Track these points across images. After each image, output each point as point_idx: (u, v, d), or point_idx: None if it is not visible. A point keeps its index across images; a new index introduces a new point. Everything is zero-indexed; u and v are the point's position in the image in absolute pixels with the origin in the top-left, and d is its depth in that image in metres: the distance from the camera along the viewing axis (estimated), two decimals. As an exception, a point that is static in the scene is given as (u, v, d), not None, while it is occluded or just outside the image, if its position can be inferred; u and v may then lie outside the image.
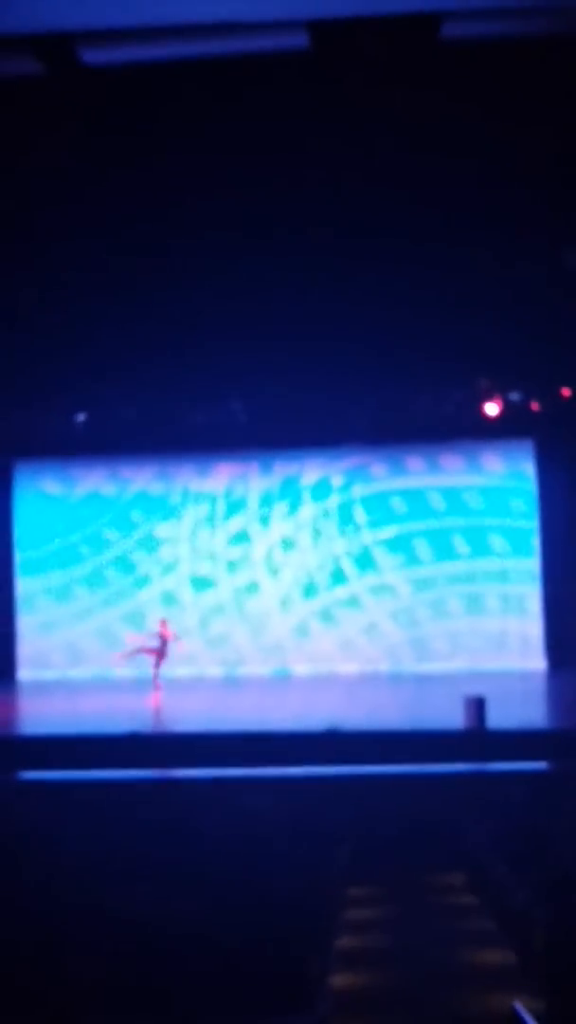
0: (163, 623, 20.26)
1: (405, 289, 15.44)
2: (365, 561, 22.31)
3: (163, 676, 20.11)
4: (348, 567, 22.33)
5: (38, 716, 18.64)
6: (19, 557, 22.92)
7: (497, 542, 22.04)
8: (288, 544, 22.50)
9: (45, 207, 13.84)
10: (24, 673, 22.61)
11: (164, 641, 19.90)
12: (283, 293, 15.57)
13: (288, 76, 11.24)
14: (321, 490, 22.49)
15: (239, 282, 15.35)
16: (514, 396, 19.26)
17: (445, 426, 20.57)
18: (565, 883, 8.93)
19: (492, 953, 8.84)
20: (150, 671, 19.96)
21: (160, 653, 19.88)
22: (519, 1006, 6.30)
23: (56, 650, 22.72)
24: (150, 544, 22.77)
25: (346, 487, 22.44)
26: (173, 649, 20.11)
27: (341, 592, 22.26)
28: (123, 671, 21.01)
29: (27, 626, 22.83)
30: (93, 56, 10.14)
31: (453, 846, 11.94)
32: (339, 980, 8.16)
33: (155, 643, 19.98)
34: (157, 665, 19.89)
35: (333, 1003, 7.52)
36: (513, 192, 13.75)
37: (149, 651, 20.01)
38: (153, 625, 20.87)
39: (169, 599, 22.64)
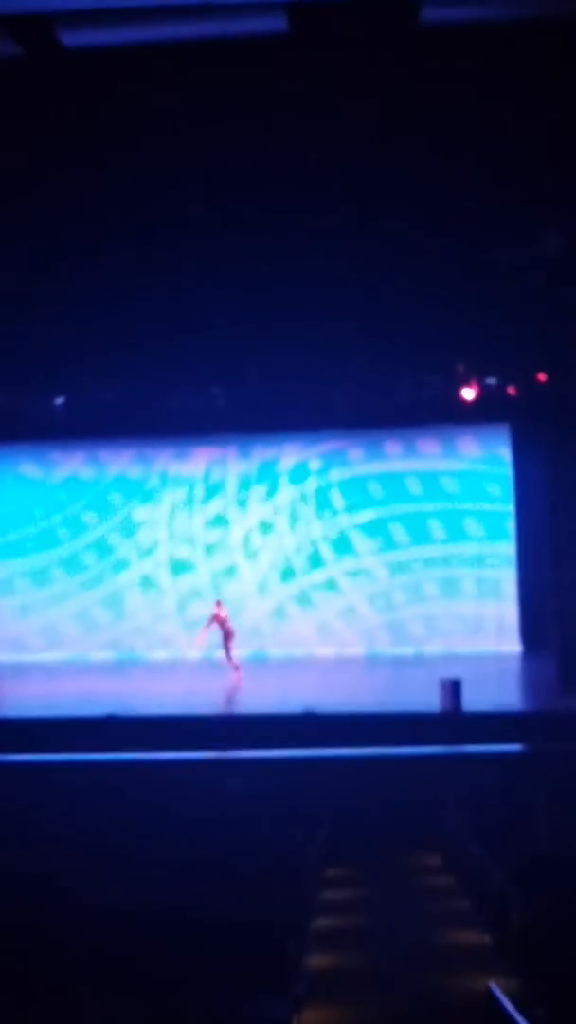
0: (218, 604, 19.97)
1: (383, 275, 15.43)
2: (342, 545, 22.36)
3: (143, 659, 20.13)
4: (325, 551, 22.38)
5: (15, 699, 18.62)
6: (-3, 540, 22.88)
7: (473, 526, 22.13)
8: (266, 528, 22.53)
9: (24, 190, 13.75)
10: (2, 656, 22.56)
11: (223, 621, 19.71)
12: (262, 278, 15.54)
13: (267, 59, 11.20)
14: (298, 474, 22.52)
15: (219, 267, 15.31)
16: (490, 381, 19.28)
17: (422, 411, 20.57)
18: (540, 863, 9.03)
19: (468, 933, 8.93)
20: (215, 654, 19.90)
21: (227, 634, 19.66)
22: (495, 986, 6.38)
23: (34, 633, 22.69)
24: (128, 527, 22.76)
25: (323, 471, 22.47)
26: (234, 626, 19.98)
27: (318, 576, 22.31)
28: (196, 654, 20.70)
29: (4, 609, 22.79)
30: (72, 38, 10.09)
31: (429, 827, 12.04)
32: (316, 961, 8.22)
33: (215, 625, 19.75)
34: (227, 647, 19.61)
35: (310, 983, 7.59)
36: (491, 177, 13.75)
37: (224, 631, 19.63)
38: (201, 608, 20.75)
39: (147, 582, 22.64)
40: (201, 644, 20.04)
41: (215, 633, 19.87)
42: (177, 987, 6.60)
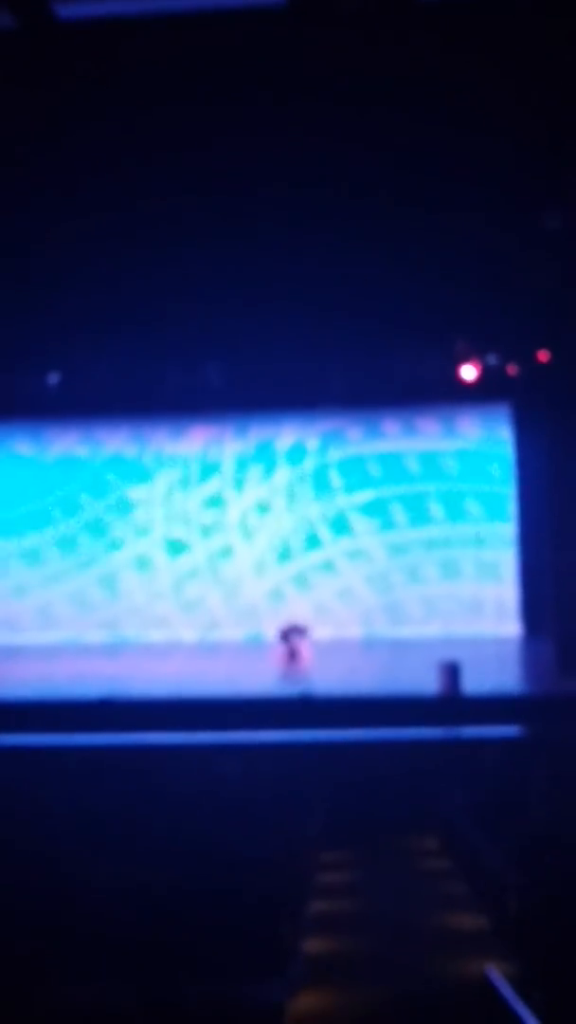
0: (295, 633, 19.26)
1: (382, 251, 15.29)
2: (340, 525, 22.24)
3: (138, 640, 20.06)
4: (323, 531, 22.26)
5: (9, 680, 18.51)
6: (-10, 519, 22.76)
7: (473, 507, 22.01)
8: (263, 508, 22.40)
9: (15, 164, 13.60)
10: (-5, 637, 22.48)
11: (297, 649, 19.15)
12: (259, 255, 15.40)
13: (263, 33, 11.06)
14: (296, 454, 22.38)
15: (215, 244, 15.17)
16: (491, 359, 19.14)
17: (422, 390, 20.44)
18: (538, 847, 8.93)
19: (465, 917, 8.84)
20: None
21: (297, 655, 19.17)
22: (492, 970, 6.27)
23: (28, 613, 22.58)
24: (124, 507, 22.63)
25: (321, 451, 22.34)
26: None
27: (316, 557, 22.20)
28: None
29: (-2, 589, 22.69)
30: (67, 10, 9.93)
31: (427, 810, 11.95)
32: (312, 945, 8.13)
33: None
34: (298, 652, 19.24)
35: (306, 967, 7.51)
36: (491, 153, 13.61)
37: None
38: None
39: (143, 563, 22.53)
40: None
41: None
42: (172, 969, 6.52)
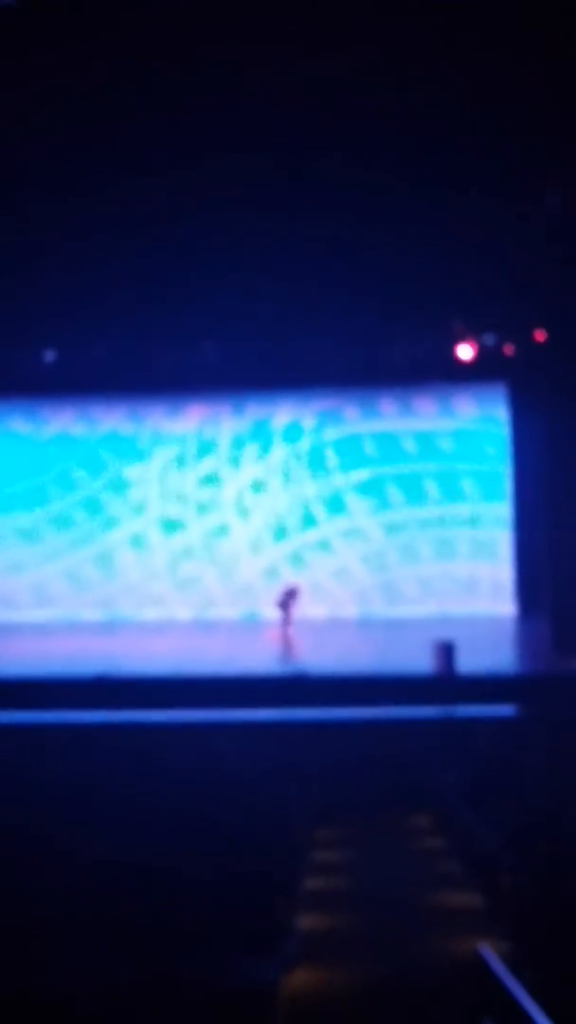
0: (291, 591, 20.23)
1: (380, 231, 15.25)
2: (336, 505, 22.23)
3: (134, 619, 20.10)
4: (319, 511, 22.25)
5: (6, 658, 18.52)
6: (-14, 497, 22.72)
7: (469, 487, 22.00)
8: (258, 487, 22.38)
9: (12, 142, 13.54)
10: (-9, 614, 22.47)
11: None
12: (257, 234, 15.35)
13: (267, 3, 11.01)
14: (292, 433, 22.34)
15: (212, 222, 15.11)
16: (488, 339, 19.11)
17: (418, 369, 20.40)
18: (532, 826, 8.96)
19: (459, 896, 8.88)
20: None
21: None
22: (485, 948, 6.30)
23: (23, 591, 22.57)
24: (119, 485, 22.60)
25: (318, 430, 22.30)
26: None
27: (312, 536, 22.19)
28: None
29: (-6, 567, 22.66)
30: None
31: (421, 789, 11.99)
32: (306, 922, 8.16)
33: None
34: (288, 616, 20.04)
35: (300, 944, 7.53)
36: (490, 133, 13.57)
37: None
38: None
39: (138, 541, 22.52)
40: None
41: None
42: (166, 946, 6.54)
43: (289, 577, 21.29)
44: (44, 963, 6.34)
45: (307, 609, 20.72)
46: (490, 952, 6.21)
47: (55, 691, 14.46)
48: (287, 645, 18.69)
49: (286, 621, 19.96)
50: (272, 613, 20.70)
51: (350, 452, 22.20)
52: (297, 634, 19.51)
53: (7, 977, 6.05)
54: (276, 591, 20.59)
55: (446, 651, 14.54)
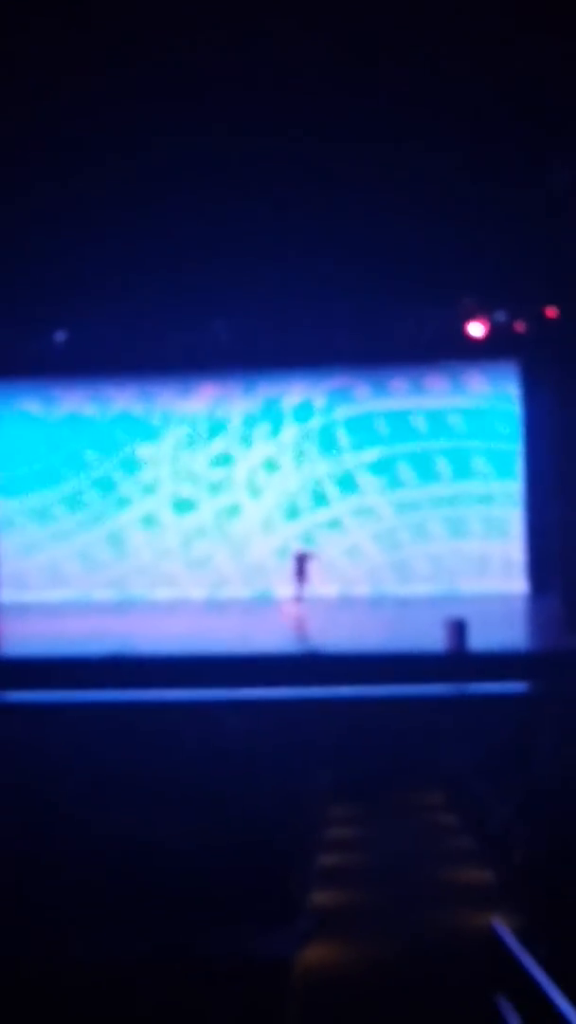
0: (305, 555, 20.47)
1: (389, 208, 15.19)
2: (347, 483, 22.23)
3: (146, 598, 20.13)
4: (330, 489, 22.25)
5: (19, 638, 18.61)
6: (-1, 478, 22.79)
7: (480, 464, 21.98)
8: (270, 466, 22.38)
9: (21, 120, 13.51)
10: (4, 594, 22.55)
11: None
12: (267, 212, 15.30)
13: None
14: (304, 412, 22.32)
15: (222, 200, 15.07)
16: (499, 316, 19.04)
17: (429, 347, 20.34)
18: (543, 801, 9.00)
19: (471, 871, 8.91)
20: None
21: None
22: (498, 923, 6.34)
23: (36, 571, 22.65)
24: (131, 465, 22.62)
25: (329, 409, 22.28)
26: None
27: (323, 514, 22.20)
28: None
29: (7, 547, 22.74)
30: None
31: (433, 766, 12.03)
32: (320, 897, 8.21)
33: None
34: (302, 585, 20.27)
35: (314, 920, 7.57)
36: (499, 109, 13.50)
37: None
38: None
39: (150, 521, 22.56)
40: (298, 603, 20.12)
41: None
42: (181, 922, 6.59)
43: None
44: (61, 938, 6.40)
45: (319, 583, 20.73)
46: (503, 927, 6.25)
47: (68, 671, 14.50)
48: (301, 621, 18.73)
49: (301, 590, 20.09)
50: (285, 591, 20.76)
51: (361, 431, 22.18)
52: (310, 608, 19.61)
53: (24, 952, 6.11)
54: (289, 563, 20.69)
55: (458, 629, 14.55)
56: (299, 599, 20.05)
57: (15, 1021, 5.27)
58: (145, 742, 11.45)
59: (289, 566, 20.65)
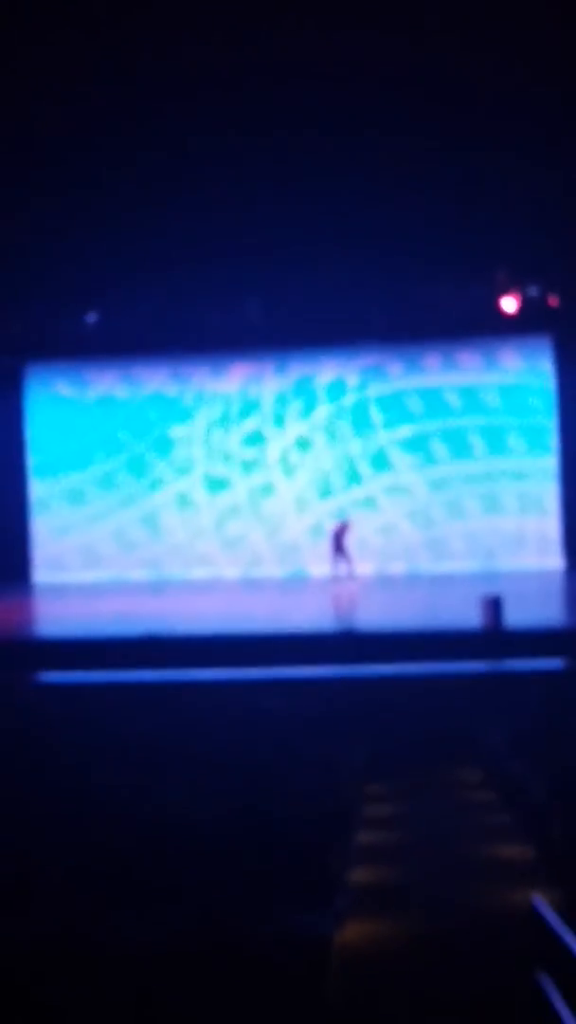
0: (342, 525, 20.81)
1: (422, 184, 15.09)
2: (381, 461, 22.16)
3: (180, 578, 20.30)
4: (364, 467, 22.19)
5: (55, 618, 18.72)
6: (33, 460, 22.87)
7: (514, 440, 21.84)
8: (303, 444, 22.35)
9: (53, 105, 13.51)
10: (40, 575, 22.69)
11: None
12: (298, 191, 15.25)
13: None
14: (336, 390, 22.26)
15: (254, 180, 15.02)
16: (532, 291, 18.89)
17: (462, 323, 20.22)
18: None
19: (510, 848, 8.88)
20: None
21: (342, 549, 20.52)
22: (538, 899, 6.31)
23: (71, 553, 22.75)
24: (164, 446, 22.65)
25: (361, 386, 22.20)
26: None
27: (357, 493, 22.16)
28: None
29: (42, 529, 22.85)
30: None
31: (470, 743, 11.99)
32: (358, 875, 8.21)
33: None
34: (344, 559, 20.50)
35: (352, 897, 7.58)
36: (533, 83, 13.36)
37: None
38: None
39: (184, 501, 22.59)
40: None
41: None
42: (220, 900, 6.61)
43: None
44: (101, 916, 6.43)
45: (354, 566, 20.71)
46: (543, 903, 6.22)
47: (104, 650, 14.57)
48: (354, 600, 18.78)
49: (350, 568, 20.22)
50: (324, 570, 20.77)
51: (394, 408, 22.09)
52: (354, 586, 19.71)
53: (62, 928, 6.15)
54: (326, 541, 20.82)
55: (494, 606, 14.49)
56: (350, 577, 20.09)
57: (50, 996, 5.30)
58: (181, 721, 11.48)
59: (327, 543, 20.70)
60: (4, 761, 9.88)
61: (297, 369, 22.31)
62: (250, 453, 22.45)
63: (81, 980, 5.47)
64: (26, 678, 14.19)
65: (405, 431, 22.10)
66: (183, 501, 22.61)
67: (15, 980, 5.45)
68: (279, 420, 22.40)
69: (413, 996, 6.20)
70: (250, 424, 22.47)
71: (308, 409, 22.33)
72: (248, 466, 22.46)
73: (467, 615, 14.76)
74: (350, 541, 20.70)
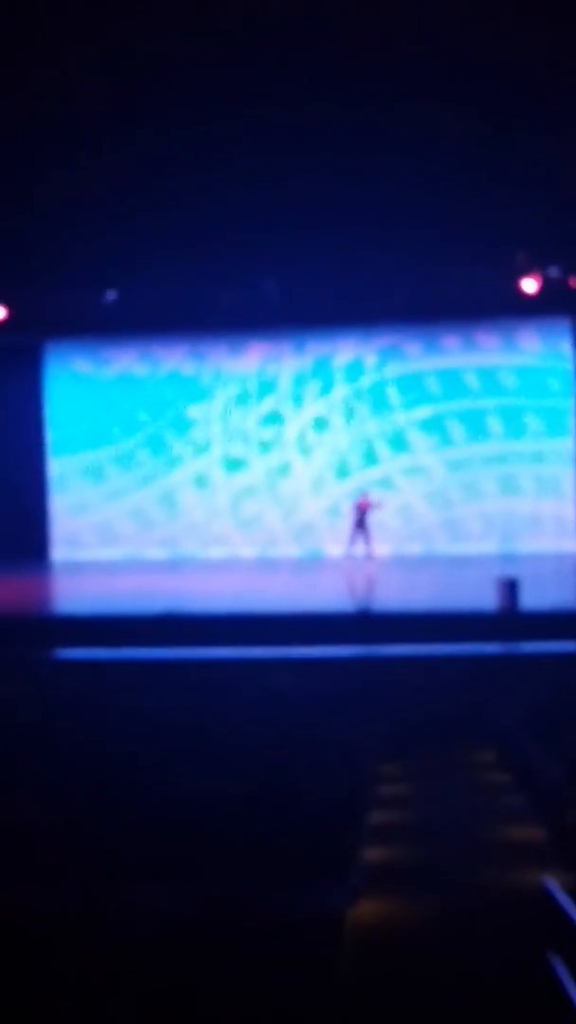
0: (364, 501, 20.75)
1: (441, 163, 15.03)
2: (398, 442, 22.15)
3: (198, 557, 20.39)
4: (381, 448, 22.19)
5: (73, 596, 18.81)
6: (51, 437, 22.93)
7: (532, 422, 21.80)
8: (321, 425, 22.35)
9: (73, 86, 13.51)
10: (58, 553, 22.78)
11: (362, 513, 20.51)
12: (316, 169, 15.21)
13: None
14: (354, 370, 22.23)
15: (271, 158, 14.99)
16: (553, 272, 18.80)
17: (481, 304, 20.15)
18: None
19: (523, 829, 8.92)
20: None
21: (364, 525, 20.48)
22: (550, 881, 6.35)
23: (89, 530, 22.84)
24: (182, 425, 22.68)
25: (379, 367, 22.17)
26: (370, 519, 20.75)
27: (374, 473, 22.16)
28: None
29: (60, 506, 22.93)
30: None
31: (485, 725, 12.03)
32: (373, 854, 8.26)
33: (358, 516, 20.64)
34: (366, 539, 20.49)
35: (366, 876, 7.63)
36: (551, 63, 13.29)
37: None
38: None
39: (201, 480, 22.64)
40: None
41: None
42: (235, 878, 6.66)
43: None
44: (118, 890, 6.50)
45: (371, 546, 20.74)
46: (555, 884, 6.26)
47: (121, 628, 14.64)
48: (372, 580, 18.83)
49: (370, 548, 20.28)
50: (335, 551, 20.79)
51: (412, 389, 22.06)
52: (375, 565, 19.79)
53: (79, 904, 6.21)
54: (348, 517, 20.83)
55: (510, 588, 14.51)
56: (369, 557, 20.11)
57: (72, 969, 5.37)
58: (198, 699, 11.54)
59: (348, 518, 20.67)
60: (22, 737, 9.97)
61: (315, 349, 22.29)
62: (267, 433, 22.47)
63: (98, 954, 5.54)
64: (44, 655, 14.28)
65: (423, 412, 22.07)
66: (200, 480, 22.65)
67: (31, 954, 5.52)
68: (297, 400, 22.40)
69: (425, 975, 6.25)
70: (268, 404, 22.48)
71: (326, 389, 22.32)
72: (265, 446, 22.48)
73: (483, 597, 14.78)
74: (371, 519, 20.68)
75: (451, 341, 21.92)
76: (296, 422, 22.39)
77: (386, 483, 22.10)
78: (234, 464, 22.57)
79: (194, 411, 22.64)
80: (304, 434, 22.38)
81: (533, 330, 21.63)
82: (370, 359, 22.17)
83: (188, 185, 15.48)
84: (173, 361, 22.63)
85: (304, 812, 7.56)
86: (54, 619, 16.15)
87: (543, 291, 18.89)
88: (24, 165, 15.14)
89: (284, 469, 22.43)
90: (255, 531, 22.42)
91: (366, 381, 22.19)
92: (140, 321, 21.00)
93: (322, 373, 22.30)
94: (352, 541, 20.47)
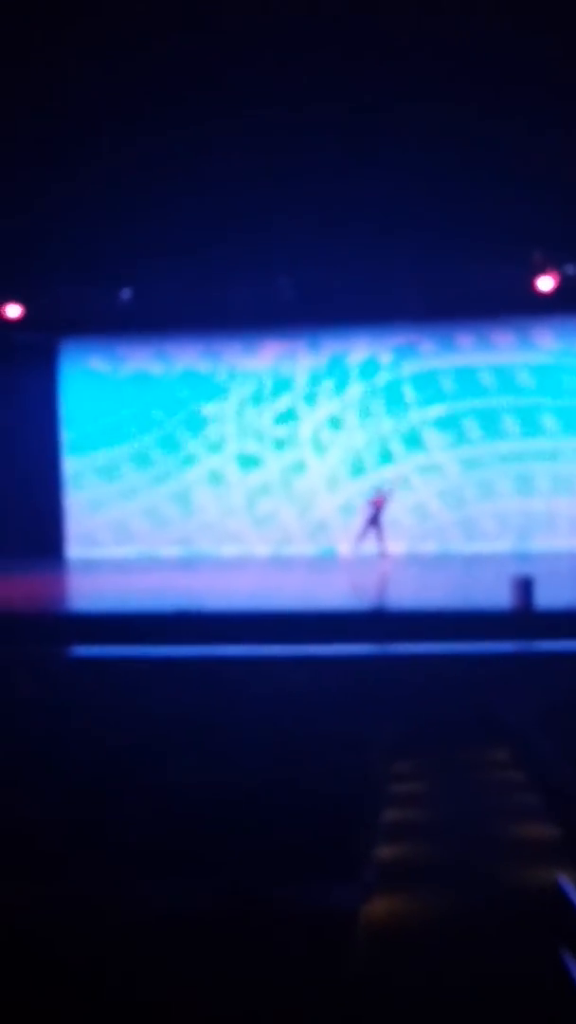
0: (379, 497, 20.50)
1: (456, 160, 15.01)
2: (413, 440, 22.13)
3: (212, 555, 20.31)
4: (396, 446, 22.16)
5: (88, 593, 18.85)
6: (67, 435, 22.98)
7: (548, 421, 21.74)
8: (335, 423, 22.34)
9: (87, 82, 13.53)
10: (73, 551, 22.83)
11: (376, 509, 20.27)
12: (331, 167, 15.20)
13: None
14: (369, 368, 22.22)
15: (286, 156, 14.99)
16: (569, 269, 18.76)
17: (497, 302, 20.11)
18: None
19: (537, 827, 8.90)
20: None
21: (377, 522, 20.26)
22: (563, 879, 6.33)
23: (104, 528, 22.88)
24: (196, 423, 22.70)
25: (394, 365, 22.15)
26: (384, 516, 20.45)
27: (389, 472, 22.13)
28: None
29: (75, 504, 22.98)
30: None
31: (499, 723, 12.01)
32: (385, 852, 8.25)
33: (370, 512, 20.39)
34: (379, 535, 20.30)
35: (379, 874, 7.62)
36: (569, 60, 13.25)
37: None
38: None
39: (216, 478, 22.66)
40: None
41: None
42: (248, 876, 6.67)
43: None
44: (132, 886, 6.51)
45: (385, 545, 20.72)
46: (569, 883, 6.24)
47: (136, 626, 14.67)
48: (386, 578, 18.78)
49: (384, 545, 20.17)
50: (346, 549, 20.77)
51: (427, 387, 22.04)
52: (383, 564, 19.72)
53: (92, 900, 6.23)
54: (363, 512, 20.68)
55: (525, 586, 14.48)
56: (383, 555, 20.08)
57: (84, 963, 5.38)
58: (212, 696, 11.55)
59: (362, 514, 20.54)
60: (37, 734, 9.99)
61: (330, 347, 22.28)
62: (282, 431, 22.47)
63: (108, 948, 5.55)
64: (59, 652, 14.31)
65: (438, 410, 22.05)
66: (215, 478, 22.67)
67: (40, 947, 5.53)
68: (311, 398, 22.40)
69: (437, 973, 6.24)
70: (282, 402, 22.48)
71: (340, 387, 22.31)
72: (280, 444, 22.48)
73: (498, 595, 14.75)
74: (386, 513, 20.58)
75: (466, 339, 21.88)
76: (311, 420, 22.39)
77: (401, 481, 22.06)
78: (249, 462, 22.58)
79: (209, 409, 22.66)
80: (319, 432, 22.38)
81: (549, 328, 21.58)
82: (385, 357, 22.15)
83: (203, 184, 15.50)
84: (188, 359, 22.66)
85: (317, 810, 7.57)
86: (69, 616, 16.18)
87: (559, 289, 18.85)
88: (40, 164, 15.18)
89: (299, 467, 22.43)
90: (269, 529, 22.43)
91: (381, 379, 22.18)
92: (155, 319, 21.04)
93: (337, 371, 22.30)
94: (361, 537, 20.38)
